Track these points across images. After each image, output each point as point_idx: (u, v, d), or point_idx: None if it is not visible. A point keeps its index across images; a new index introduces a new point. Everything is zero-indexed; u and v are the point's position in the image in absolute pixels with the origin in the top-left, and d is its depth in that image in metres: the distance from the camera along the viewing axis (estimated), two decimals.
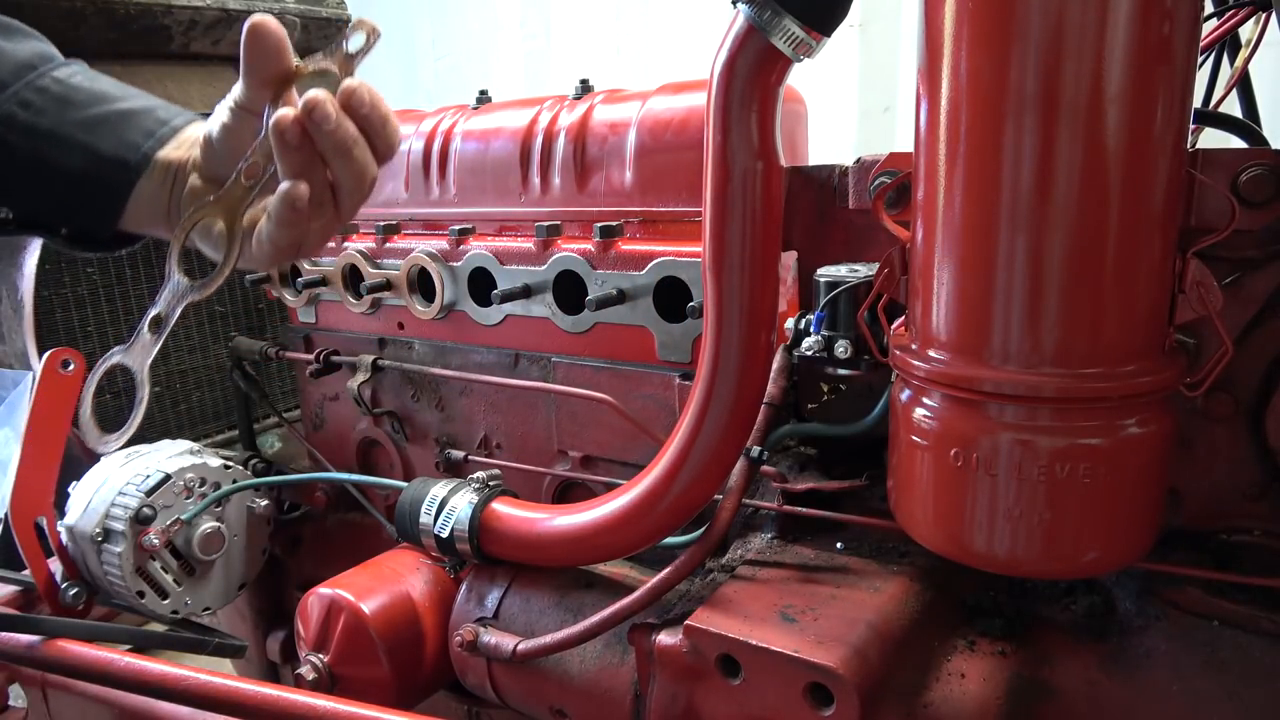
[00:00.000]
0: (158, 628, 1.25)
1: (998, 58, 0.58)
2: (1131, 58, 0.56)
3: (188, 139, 0.79)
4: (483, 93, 1.36)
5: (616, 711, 0.93)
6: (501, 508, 1.02)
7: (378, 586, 1.09)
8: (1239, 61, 1.01)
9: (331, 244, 1.39)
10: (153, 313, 0.75)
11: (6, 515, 1.05)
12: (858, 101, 2.93)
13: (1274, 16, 0.92)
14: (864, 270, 0.87)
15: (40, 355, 1.07)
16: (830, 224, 0.93)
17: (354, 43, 0.70)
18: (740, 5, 0.74)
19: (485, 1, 4.02)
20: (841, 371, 0.90)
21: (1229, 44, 1.04)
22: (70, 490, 1.21)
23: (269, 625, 1.62)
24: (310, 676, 1.06)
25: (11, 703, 1.11)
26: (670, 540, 0.94)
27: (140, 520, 1.15)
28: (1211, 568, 0.76)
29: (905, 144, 0.70)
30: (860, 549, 0.92)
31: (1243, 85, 1.05)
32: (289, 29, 1.51)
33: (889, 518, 0.77)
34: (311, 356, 1.40)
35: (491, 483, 1.06)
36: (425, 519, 1.03)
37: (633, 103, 1.13)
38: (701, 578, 0.94)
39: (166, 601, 1.21)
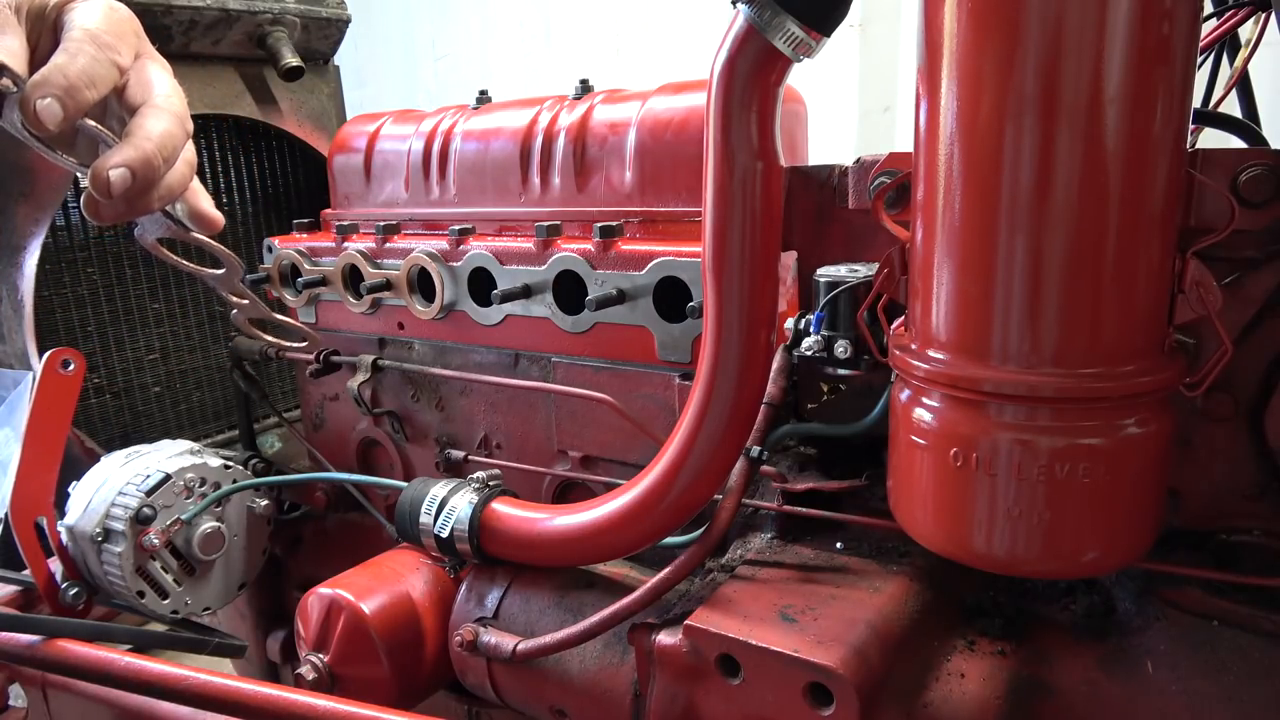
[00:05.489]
0: (158, 628, 1.25)
1: (998, 58, 0.58)
2: (1131, 58, 0.56)
3: None
4: (483, 93, 1.36)
5: (616, 711, 0.93)
6: (501, 507, 1.02)
7: (378, 586, 1.09)
8: (1239, 61, 1.01)
9: (331, 244, 1.39)
10: None
11: (6, 515, 1.05)
12: (858, 101, 2.93)
13: (1274, 16, 0.92)
14: (864, 270, 0.87)
15: (40, 355, 1.07)
16: (830, 224, 0.93)
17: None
18: (740, 5, 0.74)
19: (485, 1, 4.03)
20: (841, 371, 0.90)
21: (1229, 44, 1.04)
22: (70, 490, 1.21)
23: (269, 625, 1.62)
24: (310, 676, 1.06)
25: (11, 703, 1.11)
26: (670, 540, 0.94)
27: (140, 520, 1.15)
28: (1211, 568, 0.76)
29: (905, 144, 0.70)
30: (860, 549, 0.92)
31: (1242, 85, 1.05)
32: (289, 29, 1.51)
33: (889, 518, 0.76)
34: (312, 356, 1.40)
35: (491, 483, 1.06)
36: (425, 519, 1.03)
37: (633, 103, 1.13)
38: (701, 578, 0.94)
39: (166, 601, 1.21)
